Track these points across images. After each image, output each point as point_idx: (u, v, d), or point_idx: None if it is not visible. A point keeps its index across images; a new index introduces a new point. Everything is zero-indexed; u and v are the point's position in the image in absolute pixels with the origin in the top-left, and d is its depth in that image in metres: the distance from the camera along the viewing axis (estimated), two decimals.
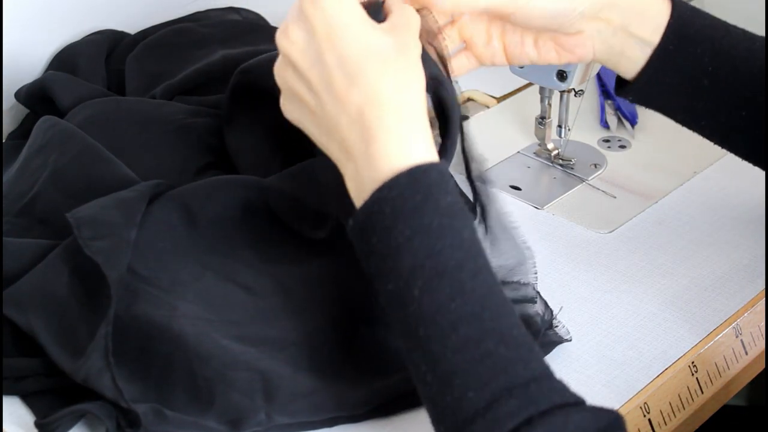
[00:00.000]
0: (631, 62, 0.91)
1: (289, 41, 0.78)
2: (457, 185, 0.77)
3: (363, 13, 0.78)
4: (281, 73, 0.80)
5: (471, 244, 0.74)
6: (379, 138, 0.74)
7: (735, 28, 0.92)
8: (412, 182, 0.73)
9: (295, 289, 0.89)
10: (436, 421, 0.74)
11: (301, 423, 0.84)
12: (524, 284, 0.89)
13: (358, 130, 0.75)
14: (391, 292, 0.74)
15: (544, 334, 0.89)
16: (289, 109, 0.81)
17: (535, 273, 0.90)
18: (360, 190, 0.76)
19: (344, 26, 0.76)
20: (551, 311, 0.90)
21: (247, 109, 1.00)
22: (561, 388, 0.73)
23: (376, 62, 0.75)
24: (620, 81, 0.93)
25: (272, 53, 0.89)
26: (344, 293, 0.89)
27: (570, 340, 0.91)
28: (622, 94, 0.93)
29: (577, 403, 0.72)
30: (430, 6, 0.83)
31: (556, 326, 0.90)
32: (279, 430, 0.84)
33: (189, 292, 0.88)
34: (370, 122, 0.75)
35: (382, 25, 0.79)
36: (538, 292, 0.90)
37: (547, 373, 0.73)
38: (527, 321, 0.87)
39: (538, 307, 0.89)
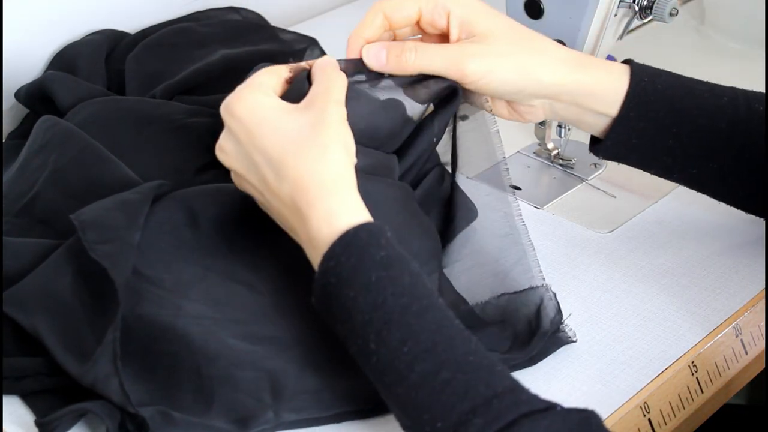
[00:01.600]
0: (591, 128, 0.97)
1: (224, 153, 0.87)
2: (392, 235, 0.81)
3: (275, 103, 0.85)
4: (233, 178, 0.88)
5: (413, 287, 0.79)
6: (310, 218, 0.81)
7: (701, 85, 0.95)
8: (344, 248, 0.79)
9: (298, 287, 0.88)
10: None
11: (308, 419, 0.84)
12: (533, 288, 0.92)
13: (295, 216, 0.83)
14: (356, 351, 0.79)
15: (551, 336, 0.90)
16: (240, 186, 0.88)
17: (541, 273, 0.92)
18: (312, 263, 0.82)
19: (259, 125, 0.83)
20: (561, 315, 0.91)
21: None
22: (527, 398, 0.74)
23: (292, 150, 0.82)
24: (593, 137, 0.98)
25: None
26: None
27: (575, 341, 0.91)
28: (594, 151, 0.98)
29: (547, 408, 0.74)
30: (400, 71, 0.90)
31: (563, 330, 0.91)
32: (286, 427, 0.84)
33: (193, 292, 0.88)
34: (300, 207, 0.82)
35: (299, 104, 0.85)
36: (554, 294, 0.91)
37: (510, 388, 0.75)
38: (537, 321, 0.90)
39: (549, 311, 0.90)
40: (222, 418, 0.82)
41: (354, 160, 0.84)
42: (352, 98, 0.87)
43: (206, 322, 0.86)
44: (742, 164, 0.94)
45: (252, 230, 0.91)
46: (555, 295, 0.91)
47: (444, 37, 0.93)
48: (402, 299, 0.78)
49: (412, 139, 0.94)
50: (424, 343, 0.76)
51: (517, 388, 0.75)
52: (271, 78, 0.88)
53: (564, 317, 0.91)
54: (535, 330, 0.89)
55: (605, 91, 0.93)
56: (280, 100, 0.86)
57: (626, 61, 0.96)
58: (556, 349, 0.90)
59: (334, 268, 0.79)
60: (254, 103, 0.85)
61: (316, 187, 0.81)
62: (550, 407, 0.74)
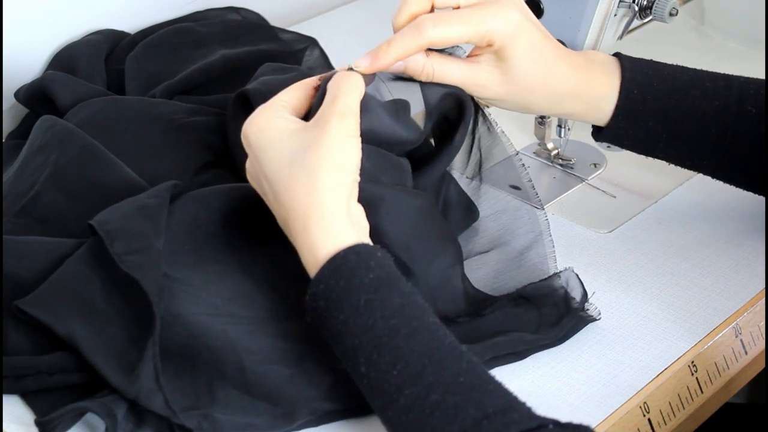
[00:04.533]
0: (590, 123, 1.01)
1: (248, 174, 0.88)
2: (384, 255, 0.82)
3: (283, 125, 0.85)
4: (255, 181, 0.88)
5: (402, 309, 0.79)
6: (301, 242, 0.82)
7: (694, 88, 0.98)
8: (333, 271, 0.80)
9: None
10: None
11: (350, 408, 0.85)
12: (553, 276, 0.94)
13: (291, 239, 0.84)
14: (350, 372, 0.80)
15: (578, 315, 0.92)
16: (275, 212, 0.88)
17: (554, 256, 0.96)
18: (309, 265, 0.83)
19: (263, 150, 0.85)
20: (586, 294, 0.93)
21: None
22: (519, 417, 0.74)
23: (285, 176, 0.83)
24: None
25: (273, 78, 0.95)
26: None
27: (599, 319, 0.93)
28: (596, 138, 1.02)
29: (540, 426, 0.73)
30: (414, 76, 0.92)
31: (587, 308, 0.93)
32: (330, 416, 0.84)
33: (225, 290, 0.88)
34: (291, 230, 0.83)
35: (310, 121, 0.85)
36: (577, 275, 0.93)
37: (502, 408, 0.75)
38: (566, 302, 0.92)
39: (576, 292, 0.93)
40: (267, 413, 0.83)
41: (354, 177, 0.84)
42: (366, 109, 0.87)
43: (243, 321, 0.86)
44: (735, 163, 0.98)
45: (270, 225, 0.91)
46: (578, 275, 0.93)
47: None
48: (391, 321, 0.78)
49: (433, 155, 0.95)
50: (414, 366, 0.76)
51: (510, 408, 0.75)
52: (293, 94, 0.89)
53: (589, 295, 0.93)
54: (563, 311, 0.91)
55: (596, 107, 0.98)
56: (291, 120, 0.86)
57: (616, 55, 0.99)
58: (582, 328, 0.92)
59: (323, 291, 0.80)
60: (264, 126, 0.86)
61: (303, 214, 0.82)
62: (542, 425, 0.73)
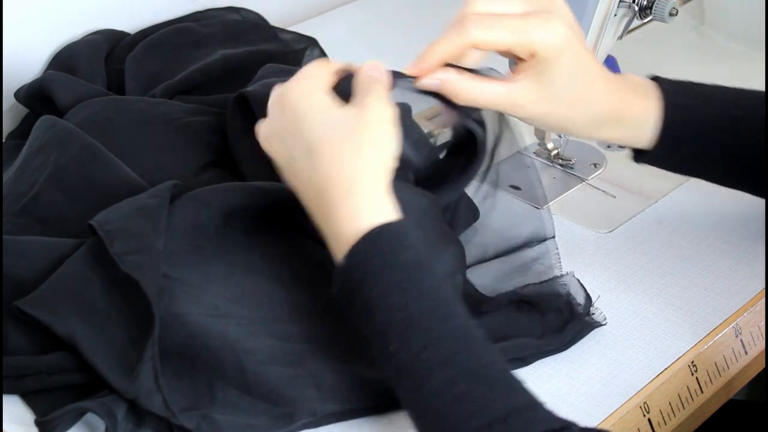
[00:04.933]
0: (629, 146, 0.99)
1: (268, 141, 0.87)
2: (417, 239, 0.81)
3: (326, 97, 0.85)
4: (276, 166, 0.87)
5: (436, 291, 0.79)
6: (337, 212, 0.81)
7: (734, 107, 0.97)
8: (370, 246, 0.79)
9: (320, 281, 0.88)
10: None
11: (350, 410, 0.85)
12: (558, 277, 0.94)
13: (322, 209, 0.83)
14: (376, 350, 0.79)
15: (583, 320, 0.92)
16: (289, 182, 0.87)
17: (559, 263, 0.96)
18: (335, 257, 0.82)
19: (306, 113, 0.84)
20: (590, 299, 0.93)
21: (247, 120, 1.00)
22: (543, 417, 0.74)
23: (329, 141, 0.82)
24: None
25: (274, 81, 0.93)
26: None
27: (605, 324, 0.92)
28: (638, 160, 1.00)
29: (563, 428, 0.74)
30: (448, 96, 0.90)
31: (593, 313, 0.93)
32: (330, 418, 0.84)
33: (226, 291, 0.88)
34: (327, 200, 0.82)
35: (350, 104, 0.85)
36: (578, 280, 0.94)
37: (528, 405, 0.75)
38: (569, 308, 0.92)
39: (579, 296, 0.92)
40: (267, 414, 0.82)
41: (393, 163, 0.84)
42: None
43: (244, 322, 0.86)
44: None
45: (271, 225, 0.91)
46: (579, 280, 0.93)
47: None
48: (425, 303, 0.78)
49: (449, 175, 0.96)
50: (445, 351, 0.76)
51: (535, 406, 0.75)
52: (322, 71, 0.88)
53: (593, 300, 0.93)
54: (567, 316, 0.91)
55: (638, 135, 0.97)
56: (332, 94, 0.86)
57: (654, 78, 0.97)
58: (587, 333, 0.92)
59: (358, 266, 0.79)
60: (308, 92, 0.85)
61: (346, 181, 0.81)
62: (566, 426, 0.74)
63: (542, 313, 0.92)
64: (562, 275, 0.94)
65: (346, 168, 0.81)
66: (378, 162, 0.82)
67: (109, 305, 0.86)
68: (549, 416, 0.75)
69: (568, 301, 0.92)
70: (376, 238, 0.79)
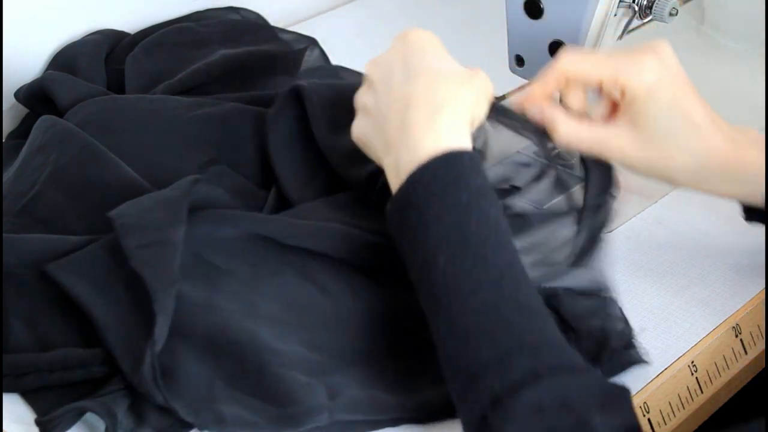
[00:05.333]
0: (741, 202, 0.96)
1: (375, 65, 0.89)
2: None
3: (441, 50, 0.89)
4: (360, 95, 0.91)
5: (496, 222, 0.81)
6: (414, 130, 0.83)
7: None
8: (444, 165, 0.81)
9: (370, 299, 0.89)
10: (450, 379, 0.78)
11: (363, 422, 0.84)
12: (605, 298, 0.91)
13: (400, 124, 0.84)
14: (419, 263, 0.80)
15: (620, 353, 0.88)
16: (356, 125, 0.91)
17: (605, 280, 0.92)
18: (397, 176, 0.83)
19: (421, 48, 0.88)
20: (631, 330, 0.89)
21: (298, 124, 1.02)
22: (572, 356, 0.76)
23: (433, 72, 0.85)
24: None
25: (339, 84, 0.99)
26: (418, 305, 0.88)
27: (647, 363, 0.88)
28: (749, 219, 0.96)
29: (588, 370, 0.76)
30: (548, 129, 0.92)
31: (634, 347, 0.89)
32: (338, 426, 0.84)
33: (268, 289, 0.89)
34: (409, 117, 0.83)
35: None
36: (620, 308, 0.90)
37: (559, 343, 0.77)
38: (604, 335, 0.88)
39: (617, 323, 0.89)
40: (275, 416, 0.82)
41: (481, 116, 0.87)
42: None
43: (276, 323, 0.86)
44: None
45: (330, 236, 0.91)
46: (621, 309, 0.90)
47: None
48: (484, 229, 0.79)
49: None
50: (493, 275, 0.78)
51: (565, 345, 0.77)
52: None
53: (634, 332, 0.89)
54: (602, 346, 0.87)
55: (754, 193, 0.92)
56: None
57: None
58: (625, 369, 0.87)
59: (427, 180, 0.81)
60: (434, 39, 0.89)
61: (437, 104, 0.84)
62: (590, 370, 0.77)
63: (579, 339, 0.87)
64: (602, 292, 0.90)
65: (441, 92, 0.84)
66: (472, 101, 0.85)
67: (129, 293, 0.86)
68: (576, 357, 0.77)
69: (604, 327, 0.88)
70: (455, 159, 0.82)
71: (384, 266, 0.90)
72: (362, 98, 0.90)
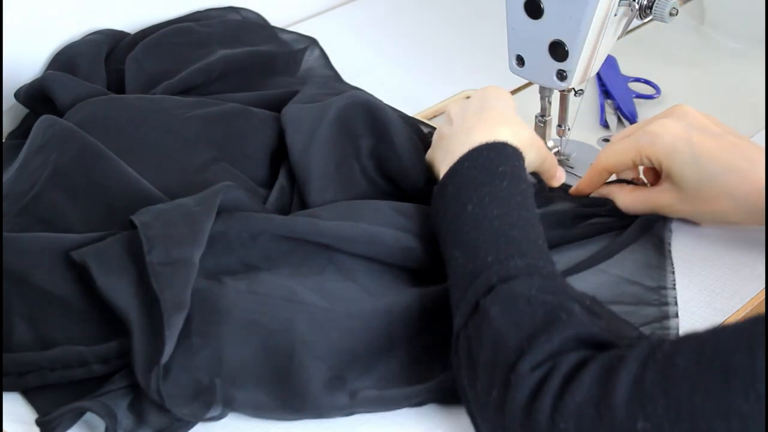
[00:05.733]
0: None
1: (456, 104, 1.02)
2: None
3: (512, 104, 1.01)
4: (439, 127, 1.02)
5: (526, 195, 0.90)
6: (477, 136, 0.94)
7: None
8: (491, 148, 0.92)
9: (410, 300, 0.89)
10: (457, 288, 0.84)
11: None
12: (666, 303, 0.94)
13: (465, 137, 0.95)
14: (450, 216, 0.89)
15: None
16: (430, 150, 1.02)
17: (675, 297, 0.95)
18: (448, 162, 0.94)
19: (495, 97, 1.00)
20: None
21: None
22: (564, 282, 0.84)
23: (500, 112, 0.97)
24: None
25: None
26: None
27: None
28: None
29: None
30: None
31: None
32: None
33: (309, 281, 0.89)
34: (474, 132, 0.95)
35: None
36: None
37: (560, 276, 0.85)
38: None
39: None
40: (298, 405, 0.83)
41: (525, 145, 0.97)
42: None
43: (314, 310, 0.87)
44: None
45: (380, 243, 0.93)
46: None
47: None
48: (513, 190, 0.89)
49: None
50: (512, 219, 0.86)
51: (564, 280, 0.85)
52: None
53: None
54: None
55: None
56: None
57: None
58: None
59: (474, 155, 0.92)
60: (508, 94, 1.02)
61: (501, 128, 0.95)
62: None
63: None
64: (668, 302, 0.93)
65: (503, 123, 0.96)
66: (527, 143, 0.97)
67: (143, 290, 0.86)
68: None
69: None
70: (502, 147, 0.92)
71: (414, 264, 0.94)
72: (440, 129, 1.01)
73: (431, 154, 1.01)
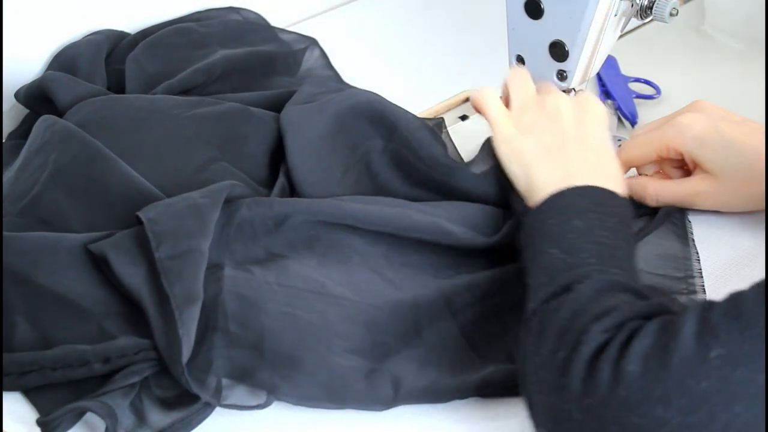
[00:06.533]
0: None
1: (557, 107, 0.98)
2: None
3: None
4: (519, 112, 1.00)
5: (629, 240, 0.87)
6: (582, 166, 0.93)
7: None
8: (583, 191, 0.90)
9: (434, 292, 0.90)
10: (544, 272, 0.84)
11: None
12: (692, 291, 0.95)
13: (558, 153, 0.94)
14: (558, 221, 0.87)
15: None
16: (521, 140, 0.98)
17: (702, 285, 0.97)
18: (559, 183, 0.91)
19: (599, 120, 0.98)
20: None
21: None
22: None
23: (603, 143, 0.96)
24: None
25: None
26: (481, 298, 0.91)
27: None
28: None
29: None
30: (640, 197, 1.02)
31: None
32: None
33: (335, 274, 0.90)
34: (588, 151, 0.94)
35: None
36: None
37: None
38: None
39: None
40: (338, 398, 0.84)
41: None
42: None
43: (345, 303, 0.88)
44: None
45: (407, 221, 0.93)
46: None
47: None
48: (617, 233, 0.86)
49: None
50: (616, 246, 0.85)
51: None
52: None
53: None
54: None
55: None
56: None
57: None
58: None
59: (580, 192, 0.89)
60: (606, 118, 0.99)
61: (608, 159, 0.94)
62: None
63: None
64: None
65: (606, 143, 0.95)
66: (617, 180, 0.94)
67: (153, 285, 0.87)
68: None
69: None
70: (591, 191, 0.89)
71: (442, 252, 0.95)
72: (523, 116, 0.98)
73: (519, 142, 0.97)
